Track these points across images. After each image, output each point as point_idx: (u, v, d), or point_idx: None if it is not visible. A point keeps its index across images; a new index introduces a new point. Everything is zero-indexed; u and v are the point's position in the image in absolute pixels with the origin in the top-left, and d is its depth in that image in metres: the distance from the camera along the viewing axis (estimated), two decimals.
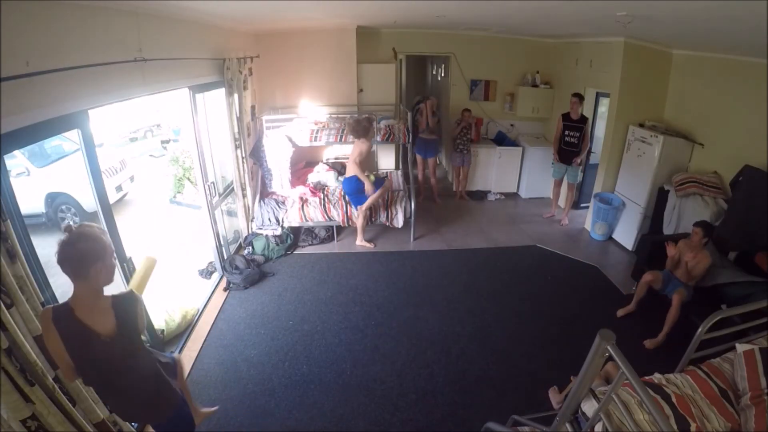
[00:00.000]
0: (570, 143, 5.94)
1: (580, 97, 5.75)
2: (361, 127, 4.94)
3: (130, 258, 2.84)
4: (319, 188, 5.86)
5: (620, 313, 4.20)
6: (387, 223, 5.56)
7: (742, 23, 2.86)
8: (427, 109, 6.52)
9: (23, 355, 1.75)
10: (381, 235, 5.79)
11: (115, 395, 1.96)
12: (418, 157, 6.83)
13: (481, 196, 7.37)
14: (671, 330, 3.75)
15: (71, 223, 1.80)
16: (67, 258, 1.61)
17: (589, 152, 6.40)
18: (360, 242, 5.56)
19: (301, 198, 5.53)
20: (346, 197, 5.39)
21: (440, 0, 3.83)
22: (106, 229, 2.62)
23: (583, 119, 5.81)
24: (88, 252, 1.63)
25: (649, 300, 4.10)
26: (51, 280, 2.17)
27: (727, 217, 4.25)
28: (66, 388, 1.98)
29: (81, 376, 1.82)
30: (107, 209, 2.72)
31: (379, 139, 5.37)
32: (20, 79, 1.87)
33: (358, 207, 5.33)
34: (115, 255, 1.80)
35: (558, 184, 6.42)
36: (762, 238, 3.83)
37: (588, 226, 6.11)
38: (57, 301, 2.18)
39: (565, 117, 5.90)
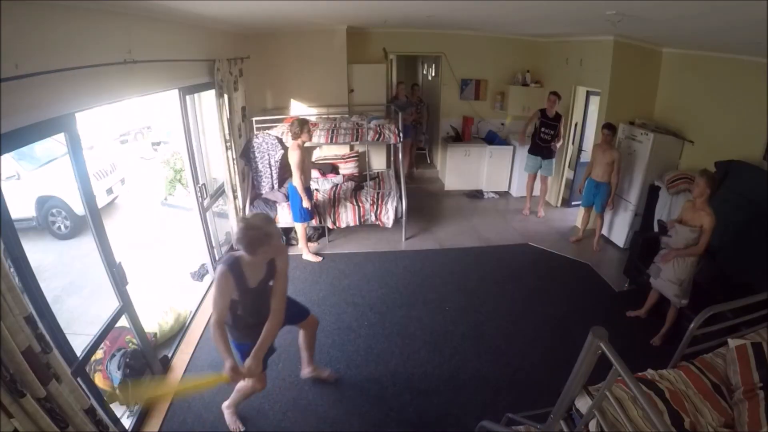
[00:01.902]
0: (545, 140, 6.10)
1: (558, 96, 5.88)
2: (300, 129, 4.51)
3: (120, 263, 2.80)
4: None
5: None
6: (377, 223, 5.54)
7: (731, 22, 2.89)
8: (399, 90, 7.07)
9: (14, 366, 1.71)
10: (372, 235, 5.77)
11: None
12: None
13: (472, 195, 7.40)
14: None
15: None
16: (239, 241, 2.19)
17: (580, 150, 6.45)
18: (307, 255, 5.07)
19: None
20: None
21: (430, 0, 3.83)
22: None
23: (558, 117, 5.99)
24: (255, 238, 2.18)
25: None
26: (43, 285, 2.12)
27: None
28: (57, 407, 1.92)
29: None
30: (95, 212, 2.68)
31: (369, 139, 5.35)
32: (8, 82, 1.83)
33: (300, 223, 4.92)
34: (282, 237, 2.09)
35: (532, 178, 6.49)
36: None
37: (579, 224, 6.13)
38: (48, 313, 2.15)
39: (542, 113, 6.03)
